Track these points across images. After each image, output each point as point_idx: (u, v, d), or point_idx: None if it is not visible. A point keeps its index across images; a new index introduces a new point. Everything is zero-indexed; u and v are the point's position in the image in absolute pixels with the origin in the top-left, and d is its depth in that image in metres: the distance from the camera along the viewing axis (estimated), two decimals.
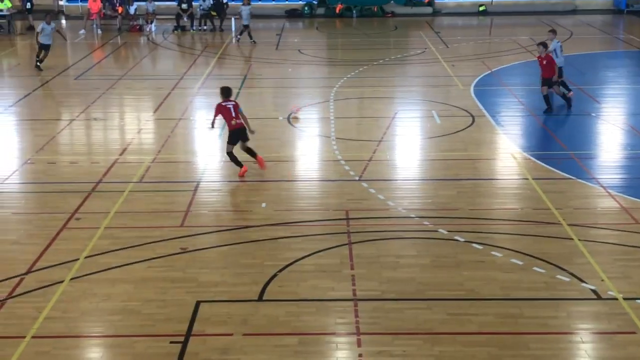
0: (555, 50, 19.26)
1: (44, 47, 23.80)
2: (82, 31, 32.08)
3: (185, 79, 23.06)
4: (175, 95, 21.04)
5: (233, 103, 14.58)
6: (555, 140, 16.77)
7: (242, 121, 14.44)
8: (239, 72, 24.12)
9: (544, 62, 18.63)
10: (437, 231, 11.71)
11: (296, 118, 18.21)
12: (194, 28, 33.16)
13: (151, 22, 33.25)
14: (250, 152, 14.51)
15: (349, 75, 23.39)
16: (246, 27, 29.18)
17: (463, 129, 17.31)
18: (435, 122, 18.02)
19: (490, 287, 9.96)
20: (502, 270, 10.43)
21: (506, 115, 18.63)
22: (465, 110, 18.87)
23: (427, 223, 12.02)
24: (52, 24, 23.89)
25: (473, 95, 20.59)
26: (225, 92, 14.70)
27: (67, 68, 25.25)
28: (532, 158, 15.24)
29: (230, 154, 14.35)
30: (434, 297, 9.71)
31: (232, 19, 33.74)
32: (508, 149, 15.97)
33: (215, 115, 14.54)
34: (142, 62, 27.27)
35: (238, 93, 21.04)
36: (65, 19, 36.51)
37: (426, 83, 22.72)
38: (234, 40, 29.59)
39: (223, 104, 14.52)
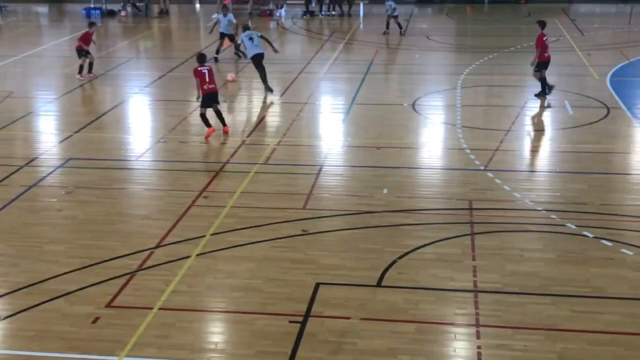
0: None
1: (222, 36, 23.95)
2: (215, 15, 32.94)
3: (312, 64, 23.29)
4: (301, 79, 21.30)
5: (207, 67, 15.94)
6: None
7: (214, 86, 15.99)
8: (365, 57, 24.12)
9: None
10: (564, 225, 11.32)
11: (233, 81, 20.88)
12: (323, 13, 33.45)
13: (281, 7, 33.80)
14: (220, 116, 16.09)
15: (477, 63, 22.94)
16: (394, 17, 27.78)
17: (597, 121, 16.64)
18: (568, 113, 17.40)
19: (619, 285, 9.55)
20: (632, 268, 9.97)
21: None
22: (600, 102, 18.12)
23: (555, 217, 11.65)
24: (229, 15, 23.79)
25: (609, 86, 19.74)
26: (201, 58, 16.16)
27: (200, 50, 26.01)
28: None
29: (203, 115, 15.84)
30: (558, 292, 9.40)
31: (361, 4, 33.79)
32: None
33: (196, 79, 15.86)
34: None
35: (363, 79, 21.08)
36: (200, 4, 37.65)
37: (559, 72, 21.94)
38: (359, 27, 28.88)
39: (199, 68, 15.87)
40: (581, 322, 8.72)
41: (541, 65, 18.39)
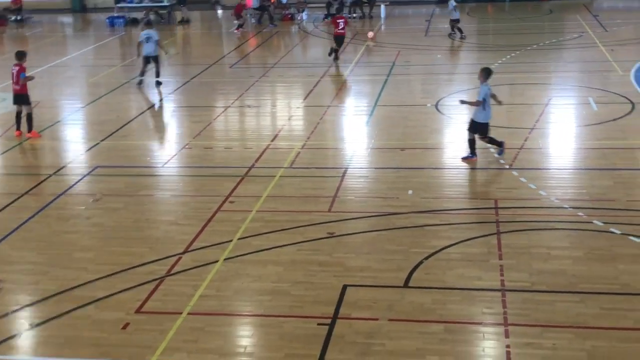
0: None
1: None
2: (235, 22, 33.08)
3: (335, 67, 23.31)
4: (324, 82, 21.35)
5: (17, 68, 16.33)
6: None
7: (19, 88, 16.36)
8: (387, 59, 24.12)
9: None
10: (591, 222, 11.26)
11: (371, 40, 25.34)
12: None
13: (302, 11, 33.87)
14: (18, 119, 16.63)
15: (500, 61, 22.84)
16: (456, 21, 26.98)
17: (622, 117, 16.50)
18: (592, 109, 17.29)
19: None
20: None
21: None
22: (625, 97, 17.98)
23: (581, 214, 11.58)
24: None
25: (633, 81, 19.58)
26: (17, 55, 16.58)
27: (222, 57, 26.19)
28: None
29: (21, 115, 16.61)
30: (587, 290, 9.35)
31: (382, 6, 33.77)
32: None
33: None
34: (293, 50, 27.82)
35: (386, 80, 21.08)
36: (222, 9, 37.86)
37: (582, 68, 21.83)
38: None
39: (12, 67, 16.38)
40: (610, 320, 8.66)
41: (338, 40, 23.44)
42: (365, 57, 24.91)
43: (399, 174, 13.77)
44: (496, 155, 14.12)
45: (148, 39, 21.18)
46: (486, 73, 13.96)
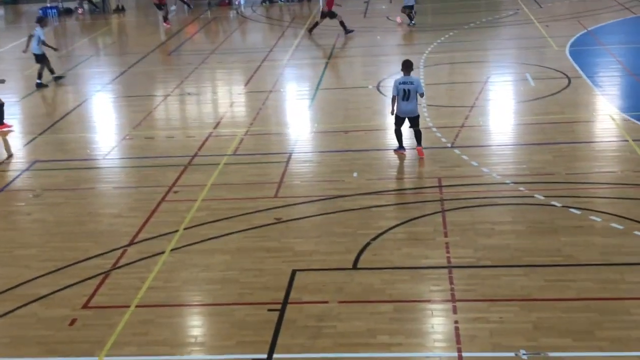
0: None
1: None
2: (173, 7, 32.68)
3: (275, 51, 23.23)
4: (265, 67, 21.24)
5: None
6: None
7: None
8: (327, 41, 24.10)
9: None
10: (533, 197, 11.47)
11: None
12: (282, 0, 33.29)
13: None
14: None
15: (438, 41, 23.05)
16: (411, 7, 26.11)
17: (559, 92, 16.83)
18: (529, 85, 17.58)
19: (590, 252, 9.71)
20: (601, 235, 10.15)
21: (604, 76, 18.00)
22: (561, 72, 18.33)
23: (523, 189, 11.79)
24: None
25: (568, 56, 19.97)
26: None
27: (160, 44, 25.83)
28: (631, 119, 14.70)
29: None
30: (530, 263, 9.54)
31: None
32: (606, 111, 15.45)
33: None
34: (232, 35, 27.59)
35: (327, 63, 21.08)
36: None
37: (519, 45, 22.16)
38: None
39: None
40: (554, 291, 8.86)
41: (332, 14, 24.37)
42: (306, 40, 24.84)
43: (343, 156, 13.81)
44: (394, 149, 13.75)
45: (32, 36, 20.55)
46: (404, 66, 13.44)
